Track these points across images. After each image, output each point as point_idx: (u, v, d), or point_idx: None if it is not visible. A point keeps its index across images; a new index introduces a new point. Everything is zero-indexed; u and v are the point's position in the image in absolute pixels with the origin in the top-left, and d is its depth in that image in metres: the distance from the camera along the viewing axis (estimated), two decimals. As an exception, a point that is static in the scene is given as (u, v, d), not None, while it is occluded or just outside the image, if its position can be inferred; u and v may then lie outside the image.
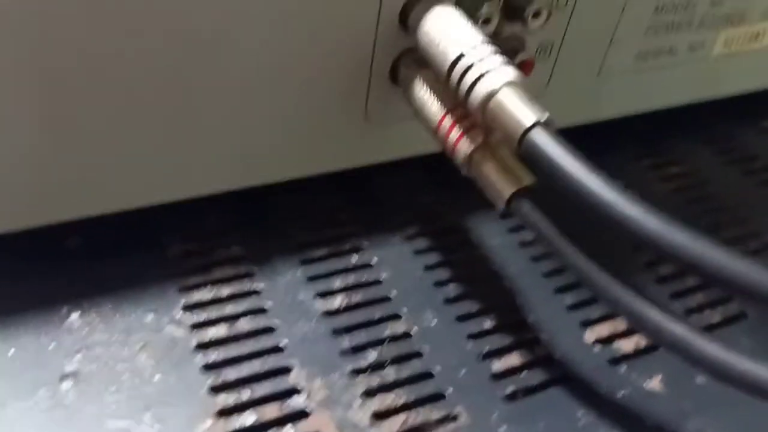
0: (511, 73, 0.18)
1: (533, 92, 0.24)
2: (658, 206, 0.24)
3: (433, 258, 0.23)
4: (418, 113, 0.21)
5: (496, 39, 0.22)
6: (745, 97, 0.31)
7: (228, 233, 0.22)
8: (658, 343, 0.20)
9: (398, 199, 0.25)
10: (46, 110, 0.18)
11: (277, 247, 0.22)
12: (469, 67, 0.19)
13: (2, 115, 0.18)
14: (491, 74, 0.18)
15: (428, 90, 0.20)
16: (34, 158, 0.19)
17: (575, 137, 0.28)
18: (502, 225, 0.24)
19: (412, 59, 0.21)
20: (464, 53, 0.19)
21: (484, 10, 0.21)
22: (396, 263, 0.22)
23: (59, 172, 0.19)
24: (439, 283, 0.22)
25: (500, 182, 0.19)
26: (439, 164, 0.22)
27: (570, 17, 0.24)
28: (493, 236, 0.24)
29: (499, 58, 0.19)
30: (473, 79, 0.18)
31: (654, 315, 0.17)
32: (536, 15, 0.22)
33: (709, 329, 0.22)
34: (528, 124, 0.17)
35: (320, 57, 0.20)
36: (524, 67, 0.23)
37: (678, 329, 0.17)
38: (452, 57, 0.19)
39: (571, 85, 0.26)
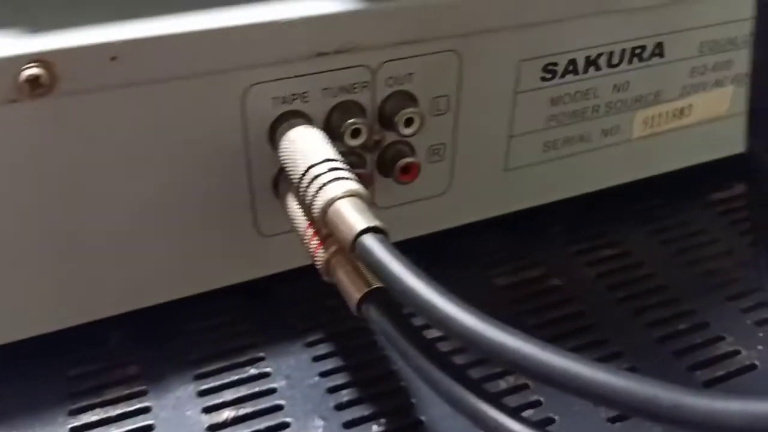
0: (348, 185, 0.19)
1: (435, 192, 0.26)
2: (579, 293, 0.24)
3: (330, 363, 0.23)
4: (291, 225, 0.22)
5: (377, 147, 0.24)
6: (688, 170, 0.30)
7: (127, 353, 0.23)
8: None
9: (300, 306, 0.25)
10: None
11: (174, 364, 0.23)
12: (313, 180, 0.20)
13: None
14: (331, 186, 0.19)
15: (296, 203, 0.21)
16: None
17: (502, 227, 0.28)
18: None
19: (287, 176, 0.22)
20: (310, 167, 0.20)
21: (350, 122, 0.22)
22: (292, 372, 0.23)
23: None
24: (333, 389, 0.22)
25: (350, 288, 0.19)
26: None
27: (456, 119, 0.25)
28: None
29: (341, 173, 0.20)
30: (315, 190, 0.19)
31: (493, 413, 0.17)
32: (408, 123, 0.23)
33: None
34: (358, 229, 0.18)
35: (199, 183, 0.22)
36: (411, 170, 0.24)
37: (516, 427, 0.16)
38: (301, 171, 0.20)
39: (477, 181, 0.26)
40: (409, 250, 0.26)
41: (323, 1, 0.21)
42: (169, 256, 0.23)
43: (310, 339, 0.24)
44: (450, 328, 0.16)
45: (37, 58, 0.18)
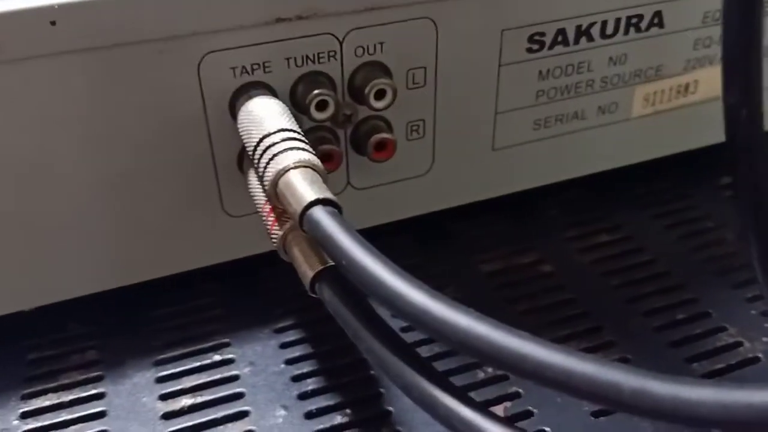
0: (301, 155, 0.18)
1: (416, 172, 0.24)
2: (572, 279, 0.22)
3: (298, 351, 0.22)
4: (253, 203, 0.21)
5: (349, 122, 0.22)
6: (695, 152, 0.29)
7: (87, 337, 0.22)
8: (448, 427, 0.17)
9: (272, 291, 0.24)
10: None
11: (135, 350, 0.22)
12: (265, 150, 0.18)
13: None
14: (282, 155, 0.18)
15: (256, 178, 0.20)
16: None
17: (493, 210, 0.26)
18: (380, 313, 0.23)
19: (251, 150, 0.21)
20: (264, 137, 0.19)
21: (315, 93, 0.21)
22: (257, 358, 0.22)
23: None
24: (298, 378, 0.21)
25: (303, 267, 0.18)
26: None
27: (435, 94, 0.23)
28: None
29: (296, 143, 0.18)
30: (267, 161, 0.18)
31: (445, 399, 0.15)
32: (379, 96, 0.21)
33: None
34: (307, 201, 0.17)
35: (160, 159, 0.21)
36: (386, 147, 0.22)
37: (467, 413, 0.15)
38: (255, 141, 0.19)
39: (462, 161, 0.25)
40: (392, 232, 0.25)
41: (282, -38, 0.20)
42: (133, 236, 0.22)
43: (280, 325, 0.23)
44: (397, 306, 0.15)
45: (-28, 22, 0.17)
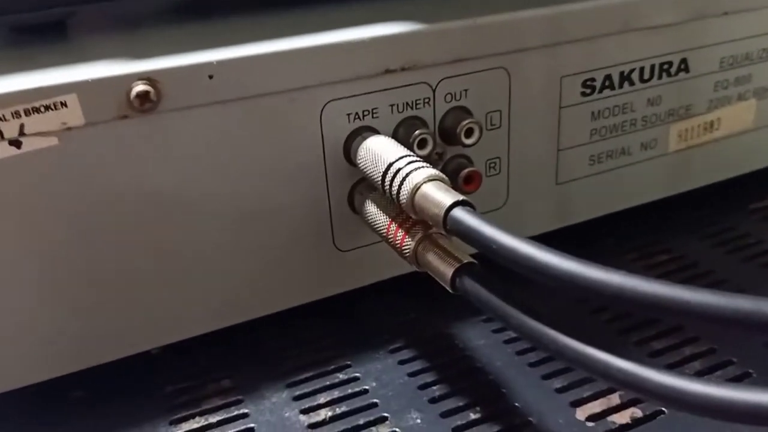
0: (429, 171, 0.21)
1: (494, 205, 0.27)
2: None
3: (416, 365, 0.24)
4: (374, 230, 0.23)
5: (440, 160, 0.25)
6: (728, 181, 0.32)
7: (218, 369, 0.24)
8: (628, 389, 0.19)
9: (380, 318, 0.26)
10: (46, 281, 0.21)
11: (265, 376, 0.23)
12: (396, 173, 0.21)
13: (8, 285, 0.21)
14: (413, 174, 0.21)
15: (375, 207, 0.23)
16: (38, 321, 0.22)
17: (557, 242, 0.29)
18: (486, 327, 0.25)
19: (363, 187, 0.24)
20: (391, 164, 0.21)
21: (417, 132, 0.24)
22: (380, 374, 0.23)
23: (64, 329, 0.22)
24: (423, 386, 0.23)
25: (441, 267, 0.20)
26: (418, 282, 0.23)
27: (509, 134, 0.26)
28: (476, 338, 0.25)
29: (420, 163, 0.21)
30: (400, 181, 0.21)
31: (619, 363, 0.17)
32: (468, 134, 0.25)
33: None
34: (447, 204, 0.19)
35: (284, 199, 0.23)
36: (474, 179, 0.25)
37: (644, 372, 0.17)
38: (382, 169, 0.22)
39: (533, 195, 0.28)
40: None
41: (389, 23, 0.23)
42: (253, 273, 0.24)
43: (393, 347, 0.25)
44: (551, 274, 0.17)
45: (146, 76, 0.20)
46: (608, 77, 0.28)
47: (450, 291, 0.20)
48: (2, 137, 0.19)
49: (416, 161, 0.21)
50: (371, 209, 0.23)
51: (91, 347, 0.22)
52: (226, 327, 0.24)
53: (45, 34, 0.25)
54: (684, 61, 0.29)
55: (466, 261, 0.20)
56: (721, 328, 0.16)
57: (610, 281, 0.17)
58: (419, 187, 0.20)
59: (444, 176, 0.21)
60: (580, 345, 0.18)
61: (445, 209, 0.19)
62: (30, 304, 0.21)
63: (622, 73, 0.28)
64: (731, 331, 0.16)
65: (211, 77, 0.21)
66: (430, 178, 0.21)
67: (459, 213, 0.19)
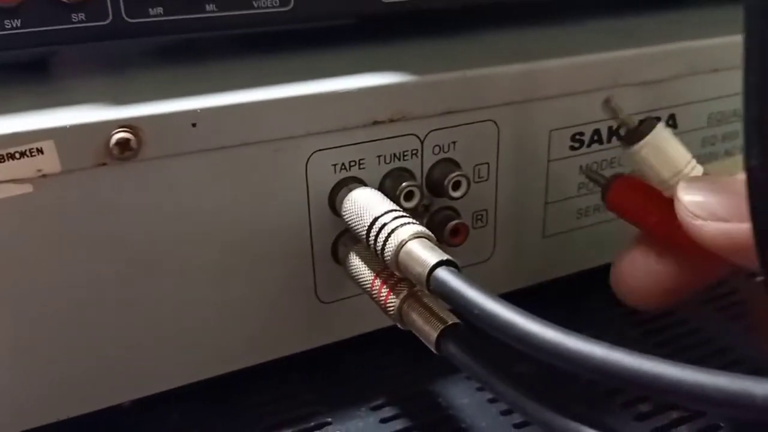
0: (415, 228, 0.20)
1: (481, 257, 0.27)
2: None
3: (398, 425, 0.23)
4: (357, 284, 0.22)
5: (426, 212, 0.25)
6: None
7: (193, 424, 0.23)
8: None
9: (363, 373, 0.25)
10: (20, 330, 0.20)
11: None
12: (381, 228, 0.21)
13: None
14: (399, 230, 0.20)
15: (360, 260, 0.22)
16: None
17: (545, 291, 0.29)
18: (469, 384, 0.25)
19: (347, 238, 0.24)
20: (377, 218, 0.21)
21: (404, 184, 0.23)
22: (360, 434, 0.23)
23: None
24: (403, 449, 0.22)
25: (426, 327, 0.20)
26: (400, 335, 0.23)
27: (496, 186, 0.26)
28: (460, 396, 0.24)
29: (406, 219, 0.21)
30: (385, 237, 0.20)
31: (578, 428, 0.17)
32: (456, 187, 0.24)
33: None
34: (432, 263, 0.19)
35: (267, 249, 0.23)
36: (460, 232, 0.25)
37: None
38: (368, 223, 0.21)
39: (519, 247, 0.28)
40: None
41: (377, 73, 0.23)
42: (233, 324, 0.23)
43: (375, 403, 0.24)
44: (533, 344, 0.17)
45: (126, 124, 0.20)
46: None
47: (434, 352, 0.20)
48: (-26, 184, 0.18)
49: (402, 216, 0.21)
50: (355, 263, 0.22)
51: (55, 402, 0.22)
52: (203, 379, 0.23)
53: (25, 72, 0.24)
54: (672, 116, 0.29)
55: (450, 322, 0.20)
56: (708, 407, 0.16)
57: (592, 354, 0.16)
58: (404, 244, 0.20)
59: (430, 233, 0.20)
60: (565, 420, 0.17)
61: (428, 268, 0.19)
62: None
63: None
64: (719, 411, 0.16)
65: (194, 125, 0.20)
66: (416, 235, 0.20)
67: (442, 274, 0.19)
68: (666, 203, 0.21)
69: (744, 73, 0.16)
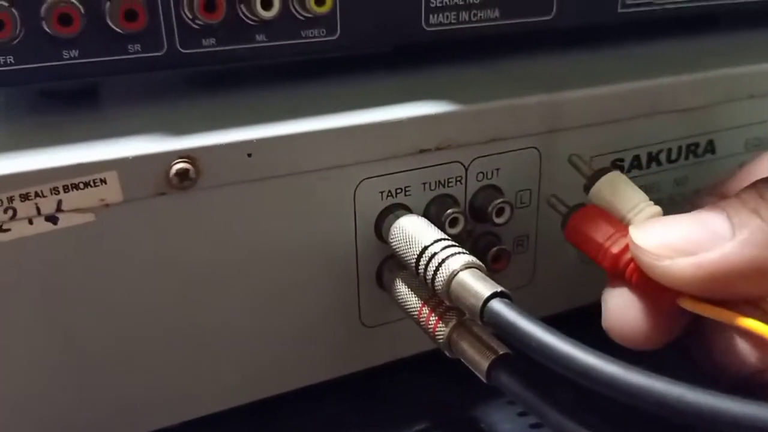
0: (466, 258, 0.21)
1: (520, 282, 0.27)
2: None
3: (441, 451, 0.23)
4: (404, 310, 0.23)
5: (469, 238, 0.25)
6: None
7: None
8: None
9: (406, 397, 0.26)
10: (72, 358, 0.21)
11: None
12: (431, 258, 0.21)
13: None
14: (450, 260, 0.21)
15: (407, 287, 0.23)
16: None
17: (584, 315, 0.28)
18: (512, 410, 0.25)
19: (393, 264, 0.24)
20: (426, 248, 0.21)
21: (449, 211, 0.24)
22: (403, 460, 0.23)
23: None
24: (449, 474, 0.22)
25: (476, 357, 0.20)
26: (442, 359, 0.23)
27: (537, 211, 0.26)
28: (503, 422, 0.24)
29: (456, 248, 0.21)
30: (435, 266, 0.21)
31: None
32: (499, 213, 0.25)
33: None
34: (485, 295, 0.19)
35: (310, 277, 0.23)
36: (502, 258, 0.25)
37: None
38: (417, 252, 0.21)
39: (558, 272, 0.28)
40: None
41: (424, 103, 0.23)
42: (278, 348, 0.24)
43: (417, 428, 0.24)
44: (593, 378, 0.17)
45: (185, 154, 0.20)
46: (636, 157, 0.28)
47: (485, 382, 0.20)
48: (39, 213, 0.19)
49: (451, 246, 0.21)
50: (402, 289, 0.23)
51: (104, 427, 0.22)
52: (247, 403, 0.23)
53: (75, 100, 0.24)
54: (710, 142, 0.29)
55: (502, 352, 0.20)
56: None
57: (652, 388, 0.16)
58: (456, 275, 0.20)
59: (480, 263, 0.21)
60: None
61: (482, 300, 0.19)
62: (50, 381, 0.21)
63: (650, 153, 0.28)
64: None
65: (249, 155, 0.21)
66: (467, 266, 0.20)
67: (497, 305, 0.19)
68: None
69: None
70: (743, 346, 0.20)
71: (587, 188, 0.23)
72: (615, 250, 0.21)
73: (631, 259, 0.20)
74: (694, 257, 0.19)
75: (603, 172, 0.23)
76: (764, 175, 0.20)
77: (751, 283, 0.19)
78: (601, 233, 0.21)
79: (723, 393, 0.16)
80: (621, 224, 0.22)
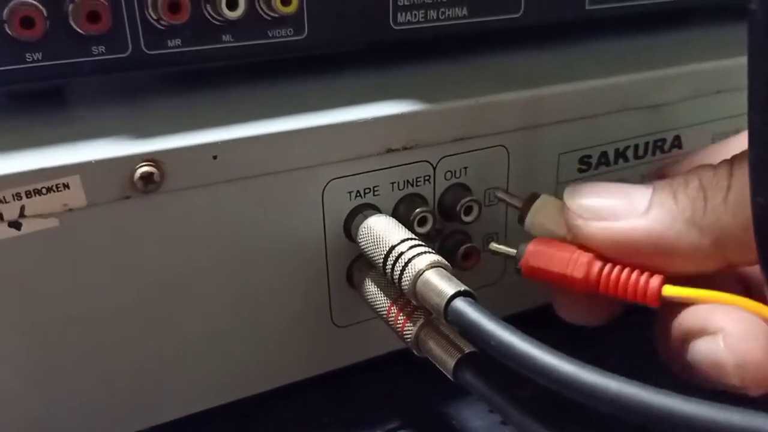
0: (432, 257, 0.21)
1: (490, 280, 0.27)
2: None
3: (412, 448, 0.23)
4: (373, 309, 0.23)
5: (439, 236, 0.25)
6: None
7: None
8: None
9: (376, 395, 0.26)
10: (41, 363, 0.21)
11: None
12: (398, 257, 0.21)
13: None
14: (416, 260, 0.21)
15: (375, 287, 0.23)
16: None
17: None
18: (483, 407, 0.25)
19: (362, 263, 0.24)
20: (393, 247, 0.21)
21: (418, 210, 0.24)
22: (376, 458, 0.23)
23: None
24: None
25: (443, 356, 0.20)
26: (413, 357, 0.23)
27: (507, 208, 0.27)
28: (473, 419, 0.25)
29: (422, 248, 0.21)
30: (402, 266, 0.21)
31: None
32: (468, 212, 0.25)
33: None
34: (449, 294, 0.19)
35: (280, 278, 0.23)
36: (472, 256, 0.25)
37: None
38: (384, 251, 0.22)
39: (528, 269, 0.28)
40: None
41: (392, 103, 0.23)
42: (250, 349, 0.24)
43: (389, 427, 0.24)
44: (548, 377, 0.17)
45: (150, 158, 0.20)
46: (604, 154, 0.28)
47: (451, 380, 0.20)
48: (2, 219, 0.19)
49: (418, 245, 0.21)
50: (371, 289, 0.23)
51: (78, 428, 0.22)
52: (220, 405, 0.23)
53: (41, 101, 0.24)
54: (677, 138, 0.30)
55: (468, 351, 0.20)
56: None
57: (607, 387, 0.17)
58: (421, 274, 0.20)
59: (446, 263, 0.21)
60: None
61: (446, 299, 0.19)
62: (18, 385, 0.21)
63: (617, 149, 0.28)
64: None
65: (215, 158, 0.21)
66: (433, 265, 0.20)
67: (460, 304, 0.19)
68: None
69: (749, 112, 0.17)
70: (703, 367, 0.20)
71: (521, 219, 0.23)
72: (579, 275, 0.21)
73: (600, 273, 0.21)
74: (605, 222, 0.21)
75: (532, 199, 0.23)
76: (704, 163, 0.21)
77: (650, 258, 0.20)
78: (557, 264, 0.21)
79: (677, 393, 0.16)
80: (569, 245, 0.22)
